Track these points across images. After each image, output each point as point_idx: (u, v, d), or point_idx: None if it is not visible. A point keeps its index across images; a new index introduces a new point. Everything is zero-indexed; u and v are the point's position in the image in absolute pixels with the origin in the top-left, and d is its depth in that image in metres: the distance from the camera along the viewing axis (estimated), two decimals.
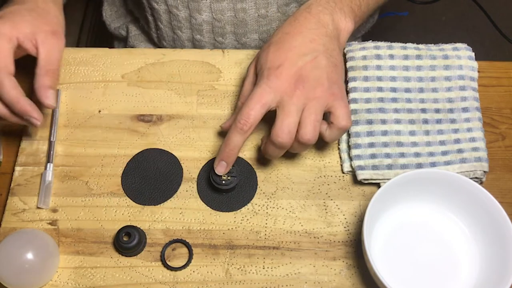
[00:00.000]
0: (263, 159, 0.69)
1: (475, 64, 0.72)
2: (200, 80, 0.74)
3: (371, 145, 0.67)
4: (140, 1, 0.83)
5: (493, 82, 0.75)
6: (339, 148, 0.69)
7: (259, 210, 0.66)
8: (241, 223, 0.65)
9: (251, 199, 0.67)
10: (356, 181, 0.67)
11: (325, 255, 0.63)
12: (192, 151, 0.70)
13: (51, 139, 0.70)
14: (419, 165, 0.66)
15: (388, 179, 0.65)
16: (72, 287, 0.62)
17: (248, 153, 0.69)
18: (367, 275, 0.62)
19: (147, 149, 0.70)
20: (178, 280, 0.62)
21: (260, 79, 0.60)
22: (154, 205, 0.66)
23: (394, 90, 0.70)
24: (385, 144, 0.67)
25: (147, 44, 0.94)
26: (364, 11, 0.69)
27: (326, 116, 0.62)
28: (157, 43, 0.91)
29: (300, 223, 0.65)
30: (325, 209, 0.66)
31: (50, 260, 0.61)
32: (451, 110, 0.70)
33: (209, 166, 0.67)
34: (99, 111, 0.72)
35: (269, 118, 0.61)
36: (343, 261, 0.63)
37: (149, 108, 0.72)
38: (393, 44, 0.73)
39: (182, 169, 0.68)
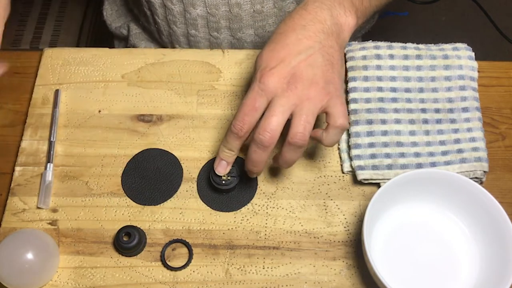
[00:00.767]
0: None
1: (475, 64, 0.72)
2: (200, 80, 0.74)
3: (371, 145, 0.67)
4: None
5: (493, 82, 0.75)
6: (339, 148, 0.69)
7: (259, 210, 0.66)
8: (241, 223, 0.65)
9: (251, 199, 0.67)
10: (356, 181, 0.67)
11: (325, 255, 0.64)
12: (192, 151, 0.70)
13: (51, 139, 0.70)
14: (419, 165, 0.66)
15: (388, 179, 0.65)
16: (72, 287, 0.62)
17: None
18: (367, 275, 0.62)
19: (147, 149, 0.70)
20: (178, 280, 0.62)
21: (253, 81, 0.59)
22: (154, 205, 0.66)
23: (394, 90, 0.70)
24: (385, 144, 0.67)
25: (148, 43, 0.94)
26: (366, 6, 0.65)
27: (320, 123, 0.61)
28: (157, 39, 0.90)
29: (300, 223, 0.65)
30: (325, 209, 0.66)
31: (50, 260, 0.61)
32: (451, 110, 0.70)
33: (209, 166, 0.67)
34: (99, 111, 0.72)
35: None
36: (343, 261, 0.63)
37: (149, 108, 0.72)
38: (393, 44, 0.73)
39: (182, 169, 0.68)
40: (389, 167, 0.66)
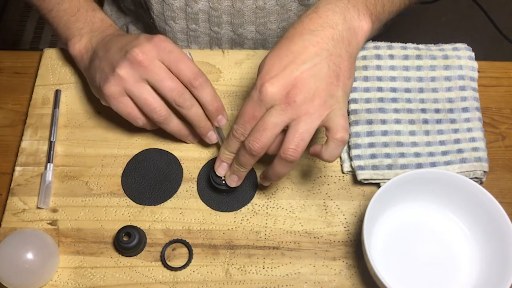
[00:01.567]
0: (263, 159, 0.68)
1: (475, 64, 0.72)
2: None
3: (371, 145, 0.67)
4: None
5: (493, 82, 0.75)
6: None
7: (259, 210, 0.66)
8: (241, 223, 0.65)
9: (251, 199, 0.67)
10: (356, 181, 0.67)
11: (325, 255, 0.64)
12: (192, 151, 0.70)
13: (51, 139, 0.70)
14: (419, 165, 0.66)
15: (388, 179, 0.65)
16: (72, 287, 0.62)
17: None
18: (367, 275, 0.62)
19: (147, 149, 0.70)
20: (178, 280, 0.62)
21: (254, 87, 0.56)
22: (154, 205, 0.66)
23: (394, 90, 0.70)
24: (385, 144, 0.67)
25: None
26: (380, 11, 0.62)
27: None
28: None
29: (300, 223, 0.65)
30: (325, 209, 0.66)
31: (50, 260, 0.61)
32: (451, 110, 0.70)
33: (209, 166, 0.67)
34: (99, 112, 0.72)
35: None
36: (343, 261, 0.63)
37: None
38: (393, 44, 0.73)
39: (182, 169, 0.68)
40: (389, 167, 0.66)
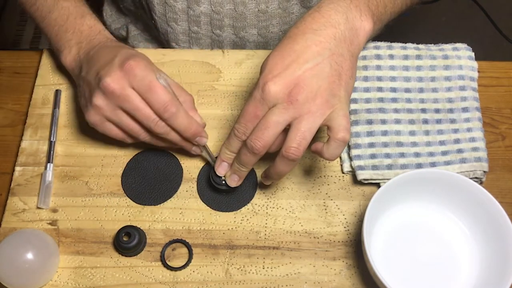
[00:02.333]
0: (263, 159, 0.68)
1: (475, 64, 0.72)
2: (200, 80, 0.74)
3: (371, 145, 0.67)
4: None
5: (493, 82, 0.75)
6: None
7: (259, 210, 0.66)
8: (241, 223, 0.65)
9: (251, 199, 0.67)
10: (356, 181, 0.67)
11: (325, 255, 0.64)
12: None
13: (51, 139, 0.70)
14: (419, 165, 0.66)
15: (388, 179, 0.65)
16: (72, 287, 0.62)
17: None
18: (367, 275, 0.62)
19: (147, 149, 0.70)
20: (178, 280, 0.62)
21: (256, 86, 0.57)
22: (154, 205, 0.66)
23: (394, 90, 0.70)
24: (385, 144, 0.67)
25: (146, 43, 0.94)
26: (382, 12, 0.62)
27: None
28: (157, 37, 0.90)
29: (300, 223, 0.65)
30: (325, 209, 0.66)
31: (50, 260, 0.61)
32: (451, 110, 0.70)
33: (209, 166, 0.67)
34: None
35: None
36: (343, 261, 0.63)
37: None
38: (393, 44, 0.73)
39: (182, 169, 0.68)
40: (389, 167, 0.66)
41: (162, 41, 0.89)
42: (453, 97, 0.70)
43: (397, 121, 0.68)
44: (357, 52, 0.59)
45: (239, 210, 0.66)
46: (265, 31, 0.83)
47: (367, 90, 0.70)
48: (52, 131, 0.70)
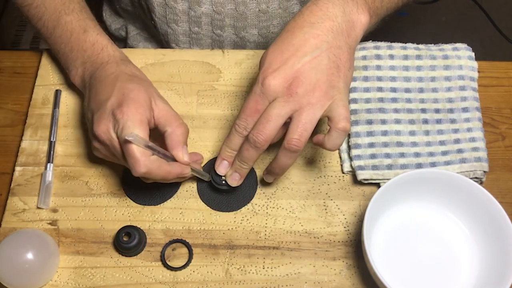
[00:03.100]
0: (263, 159, 0.69)
1: (475, 64, 0.72)
2: (200, 80, 0.74)
3: (371, 145, 0.67)
4: None
5: (493, 82, 0.75)
6: (339, 148, 0.69)
7: (259, 210, 0.66)
8: (241, 223, 0.65)
9: (251, 199, 0.67)
10: (356, 181, 0.67)
11: (325, 255, 0.64)
12: (192, 151, 0.70)
13: (51, 139, 0.70)
14: (419, 165, 0.66)
15: (388, 179, 0.65)
16: (72, 287, 0.62)
17: None
18: (367, 275, 0.62)
19: None
20: (178, 280, 0.62)
21: (256, 81, 0.58)
22: (154, 205, 0.66)
23: (394, 90, 0.70)
24: (385, 144, 0.67)
25: (145, 43, 0.94)
26: (378, 6, 0.63)
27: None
28: (157, 36, 0.90)
29: (300, 223, 0.65)
30: (325, 209, 0.66)
31: (50, 260, 0.61)
32: (451, 110, 0.70)
33: (209, 166, 0.67)
34: None
35: None
36: (343, 261, 0.63)
37: None
38: (393, 44, 0.73)
39: None
40: (389, 167, 0.66)
41: (161, 40, 0.89)
42: (453, 97, 0.70)
43: (397, 121, 0.68)
44: (354, 45, 0.60)
45: (239, 210, 0.66)
46: (265, 31, 0.83)
47: (367, 90, 0.70)
48: (52, 131, 0.70)
